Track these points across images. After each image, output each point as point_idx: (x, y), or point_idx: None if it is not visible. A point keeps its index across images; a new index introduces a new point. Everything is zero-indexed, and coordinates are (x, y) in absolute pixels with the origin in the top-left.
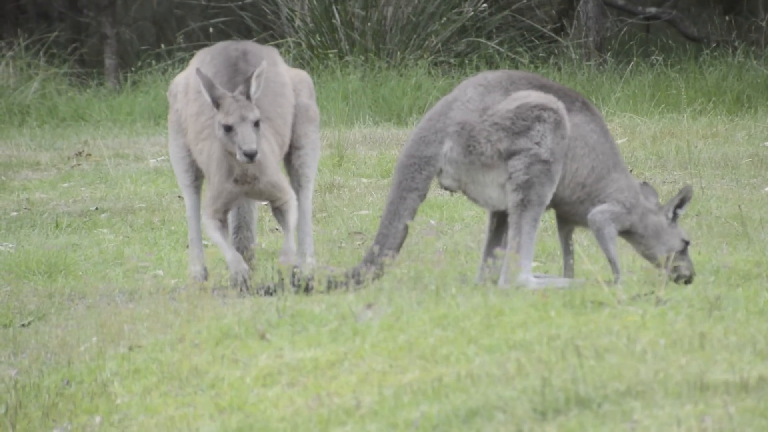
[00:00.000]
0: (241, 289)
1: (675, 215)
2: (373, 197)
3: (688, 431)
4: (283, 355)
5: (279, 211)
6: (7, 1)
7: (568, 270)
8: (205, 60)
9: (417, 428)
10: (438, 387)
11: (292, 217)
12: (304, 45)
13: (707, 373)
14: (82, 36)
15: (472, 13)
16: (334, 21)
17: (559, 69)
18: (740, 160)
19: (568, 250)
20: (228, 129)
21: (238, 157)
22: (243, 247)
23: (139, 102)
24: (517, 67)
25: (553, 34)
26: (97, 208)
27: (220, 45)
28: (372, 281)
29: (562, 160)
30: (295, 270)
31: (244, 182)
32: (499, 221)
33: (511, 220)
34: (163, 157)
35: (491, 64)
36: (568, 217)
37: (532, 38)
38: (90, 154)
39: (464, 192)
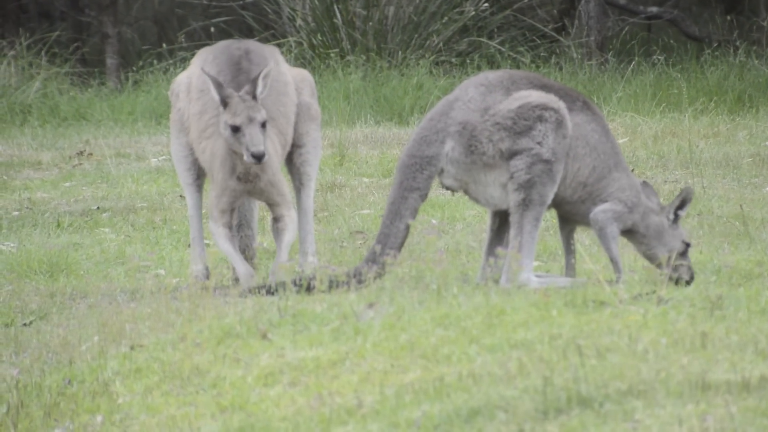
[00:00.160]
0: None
1: (676, 216)
2: (374, 197)
3: (690, 431)
4: (284, 355)
5: (277, 228)
6: (8, 0)
7: (570, 269)
8: (207, 59)
9: (419, 428)
10: (440, 386)
11: (289, 235)
12: (305, 44)
13: (709, 372)
14: (83, 35)
15: (474, 12)
16: (335, 20)
17: (561, 68)
18: (742, 160)
19: (569, 250)
20: (235, 129)
21: (245, 158)
22: (244, 245)
23: (140, 101)
24: (518, 67)
25: (554, 34)
26: (98, 208)
27: (223, 44)
28: (373, 281)
29: (563, 159)
30: (297, 270)
31: (247, 180)
32: (501, 220)
33: (513, 219)
34: (164, 157)
35: (492, 64)
36: (570, 216)
37: (534, 38)
38: (91, 154)
39: (465, 192)
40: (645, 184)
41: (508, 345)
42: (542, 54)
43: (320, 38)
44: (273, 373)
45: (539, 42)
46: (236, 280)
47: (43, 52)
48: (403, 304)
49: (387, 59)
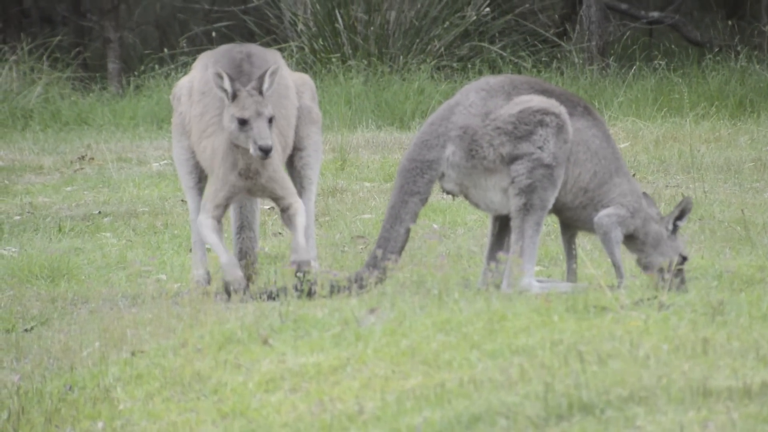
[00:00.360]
0: (230, 297)
1: (675, 227)
2: (375, 201)
3: None
4: (285, 361)
5: (287, 216)
6: (10, 5)
7: (571, 274)
8: (209, 63)
9: None
10: (441, 392)
11: (301, 218)
12: (307, 49)
13: (710, 378)
14: (85, 40)
15: (475, 17)
16: (337, 25)
17: (562, 73)
18: (743, 165)
19: (571, 255)
20: (243, 122)
21: (251, 151)
22: (246, 248)
23: (142, 106)
24: (519, 72)
25: (555, 39)
26: (100, 212)
27: (224, 48)
28: (375, 286)
29: (564, 164)
30: (305, 270)
31: (247, 177)
32: (502, 225)
33: (514, 224)
34: (165, 161)
35: (494, 69)
36: (571, 222)
37: (535, 42)
38: (93, 158)
39: (466, 196)
40: (644, 195)
41: (510, 351)
42: (543, 59)
43: (322, 43)
44: (274, 379)
45: (540, 47)
46: (226, 291)
47: (44, 57)
48: (404, 309)
49: (388, 64)
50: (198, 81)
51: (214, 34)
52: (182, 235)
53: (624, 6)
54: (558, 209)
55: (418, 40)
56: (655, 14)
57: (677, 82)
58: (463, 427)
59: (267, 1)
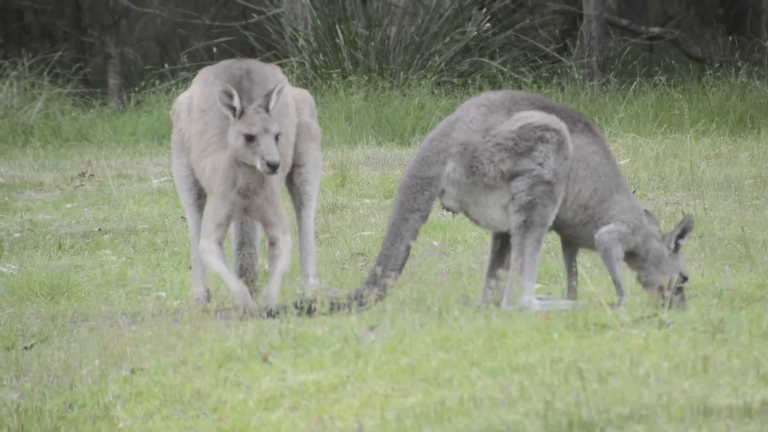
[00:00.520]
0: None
1: (677, 246)
2: (375, 218)
3: None
4: (285, 378)
5: (271, 253)
6: (11, 20)
7: (572, 292)
8: (208, 79)
9: None
10: (441, 410)
11: (283, 262)
12: (307, 65)
13: (710, 397)
14: (86, 56)
15: (476, 33)
16: (337, 41)
17: (562, 89)
18: (743, 181)
19: (571, 272)
20: (250, 138)
21: (258, 167)
22: (247, 264)
23: (142, 122)
24: (520, 87)
25: (556, 54)
26: (100, 229)
27: (224, 63)
28: (375, 303)
29: (564, 181)
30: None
31: (246, 195)
32: (502, 242)
33: (514, 241)
34: (166, 178)
35: (494, 84)
36: (572, 240)
37: (536, 58)
38: (93, 175)
39: (466, 213)
40: (646, 212)
41: (510, 368)
42: (544, 74)
43: (322, 58)
44: (274, 396)
45: (541, 62)
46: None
47: (45, 73)
48: (404, 326)
49: (389, 79)
50: (198, 98)
51: (215, 49)
52: (182, 252)
53: (624, 22)
54: (558, 226)
55: (418, 56)
56: (656, 30)
57: (677, 98)
58: None
59: (268, 16)
